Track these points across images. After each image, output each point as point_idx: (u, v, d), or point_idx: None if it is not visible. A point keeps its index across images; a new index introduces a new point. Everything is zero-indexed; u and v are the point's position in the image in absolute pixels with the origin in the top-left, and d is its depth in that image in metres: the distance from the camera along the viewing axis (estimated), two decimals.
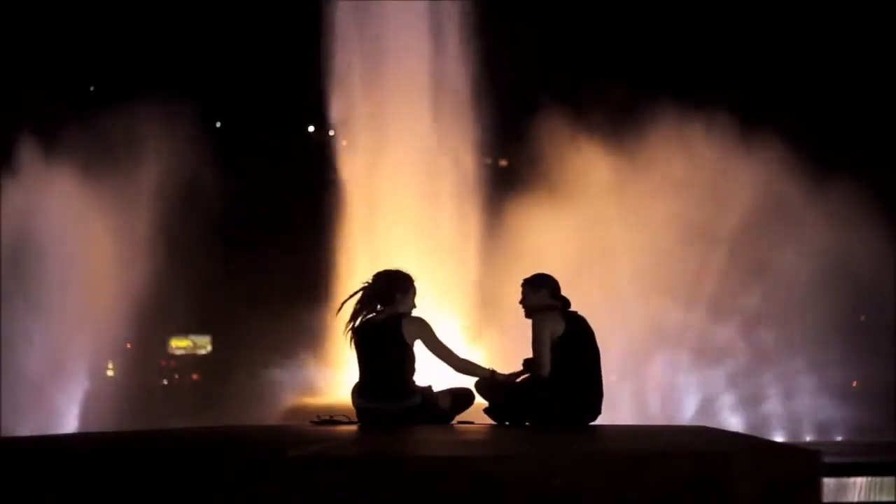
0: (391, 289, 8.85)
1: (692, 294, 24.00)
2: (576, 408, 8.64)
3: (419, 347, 8.75)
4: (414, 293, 8.91)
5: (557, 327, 8.73)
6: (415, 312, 8.90)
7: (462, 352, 9.09)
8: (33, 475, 5.72)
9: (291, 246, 26.15)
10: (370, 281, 8.94)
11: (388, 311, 8.79)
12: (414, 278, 8.97)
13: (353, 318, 8.81)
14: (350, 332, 8.80)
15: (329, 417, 8.78)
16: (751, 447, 6.21)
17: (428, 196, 24.00)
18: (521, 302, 9.06)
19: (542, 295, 8.98)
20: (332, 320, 9.03)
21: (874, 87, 30.72)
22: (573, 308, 9.00)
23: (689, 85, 26.70)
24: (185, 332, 34.44)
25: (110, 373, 26.48)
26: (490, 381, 8.86)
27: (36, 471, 5.74)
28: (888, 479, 12.02)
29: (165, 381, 31.20)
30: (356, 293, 8.89)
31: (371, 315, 8.83)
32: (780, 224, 24.53)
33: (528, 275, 9.23)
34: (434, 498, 5.41)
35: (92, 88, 37.46)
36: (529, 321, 8.91)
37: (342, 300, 8.95)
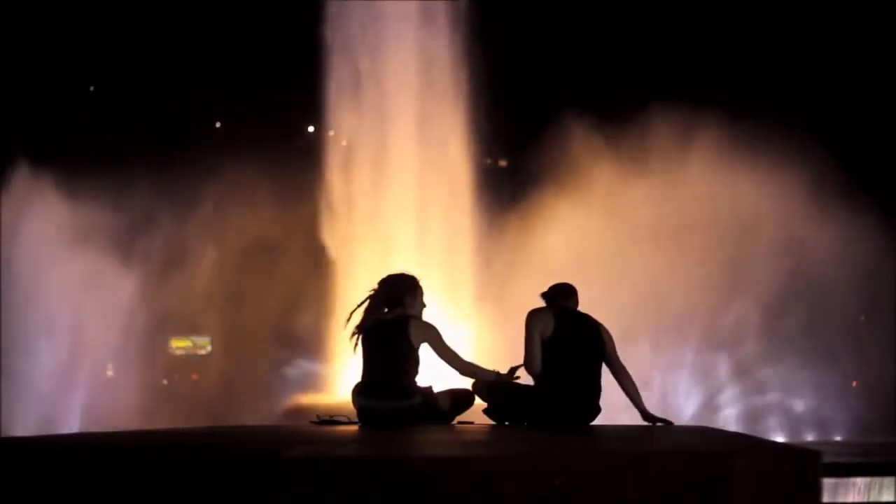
0: (399, 293, 8.84)
1: (692, 295, 23.99)
2: (569, 407, 8.63)
3: (424, 351, 8.75)
4: (421, 294, 8.92)
5: (547, 327, 8.76)
6: (426, 315, 8.90)
7: (466, 355, 9.09)
8: (33, 475, 5.72)
9: (291, 246, 26.13)
10: (376, 287, 8.93)
11: (396, 313, 8.79)
12: (419, 279, 8.97)
13: (361, 324, 8.80)
14: (356, 333, 8.79)
15: (329, 417, 8.78)
16: (751, 447, 6.21)
17: (428, 196, 24.00)
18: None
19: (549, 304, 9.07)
20: (336, 325, 9.02)
21: (880, 88, 30.71)
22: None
23: (691, 86, 26.69)
24: (185, 332, 34.44)
25: (110, 373, 26.46)
26: (491, 383, 8.86)
27: (36, 471, 5.74)
28: (888, 479, 12.02)
29: (165, 381, 31.14)
30: (363, 302, 8.88)
31: (380, 316, 8.83)
32: (780, 224, 24.51)
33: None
34: (434, 498, 5.41)
35: (92, 88, 37.46)
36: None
37: (349, 310, 8.93)
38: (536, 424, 8.62)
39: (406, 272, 9.02)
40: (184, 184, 25.22)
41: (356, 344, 8.79)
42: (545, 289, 9.20)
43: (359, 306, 8.87)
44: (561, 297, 9.08)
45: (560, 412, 8.57)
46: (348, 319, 8.86)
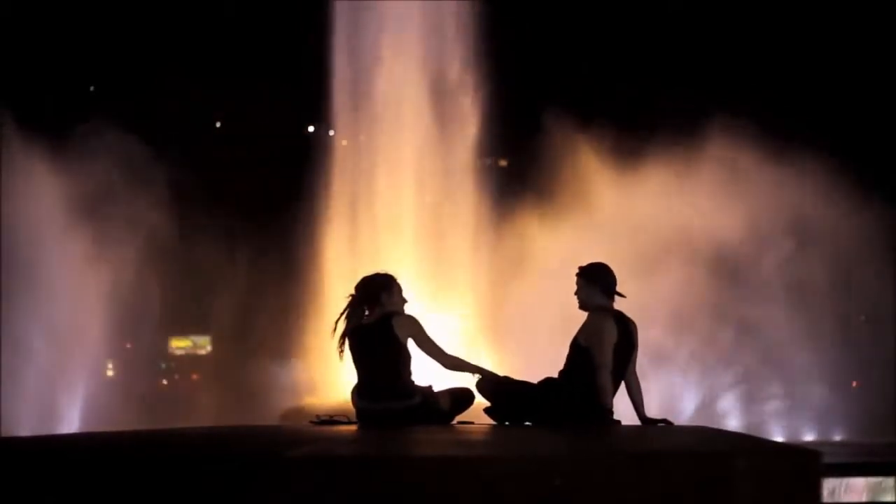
0: (374, 291, 8.87)
1: (692, 295, 23.98)
2: (597, 412, 8.53)
3: (414, 345, 8.75)
4: (399, 290, 8.92)
5: (615, 333, 8.65)
6: (408, 310, 8.89)
7: (459, 352, 9.08)
8: (33, 475, 5.72)
9: (291, 246, 26.16)
10: (353, 292, 8.96)
11: (378, 313, 8.81)
12: (395, 276, 8.99)
13: (346, 329, 8.82)
14: (342, 339, 8.81)
15: (329, 417, 8.78)
16: (751, 447, 6.22)
17: (427, 195, 24.00)
18: (575, 293, 8.94)
19: (594, 291, 8.87)
20: (330, 330, 9.00)
21: (882, 87, 30.69)
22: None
23: (693, 87, 26.70)
24: (185, 332, 34.47)
25: (110, 373, 26.47)
26: (491, 381, 8.85)
27: (36, 471, 5.74)
28: (888, 479, 12.03)
29: (165, 381, 31.19)
30: (346, 309, 8.91)
31: (362, 319, 8.84)
32: (779, 225, 24.52)
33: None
34: (434, 498, 5.41)
35: (92, 88, 37.47)
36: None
37: (335, 318, 8.93)
38: (538, 424, 8.60)
39: (380, 271, 9.05)
40: (185, 184, 25.22)
41: (342, 350, 8.81)
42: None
43: (342, 314, 8.90)
44: (613, 288, 8.97)
45: (589, 412, 8.48)
46: (334, 329, 8.88)
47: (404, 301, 8.93)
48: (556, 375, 8.84)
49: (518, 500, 5.41)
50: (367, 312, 8.86)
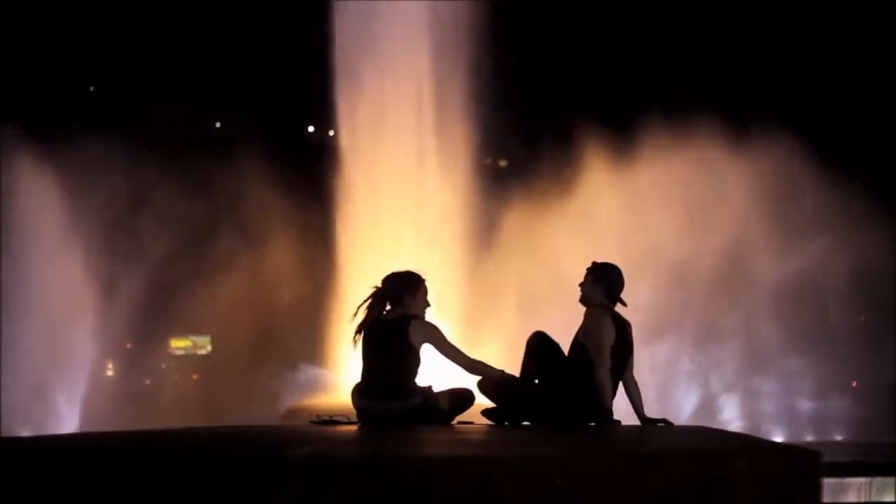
0: (399, 290, 8.86)
1: (691, 295, 23.98)
2: (597, 411, 8.54)
3: (425, 351, 8.74)
4: (424, 293, 8.91)
5: (613, 333, 8.66)
6: (429, 315, 8.89)
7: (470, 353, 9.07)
8: (33, 475, 5.72)
9: (291, 246, 26.15)
10: (379, 285, 8.95)
11: (398, 312, 8.80)
12: (423, 278, 8.97)
13: (364, 321, 8.81)
14: (358, 329, 8.81)
15: (329, 417, 8.78)
16: (750, 447, 6.22)
17: (428, 196, 23.99)
18: (580, 285, 8.97)
19: (597, 292, 8.88)
20: (336, 327, 9.03)
21: (876, 86, 30.69)
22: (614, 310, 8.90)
23: (692, 87, 26.69)
24: (185, 332, 34.44)
25: (110, 373, 26.47)
26: (496, 382, 8.83)
27: (36, 471, 5.75)
28: (888, 479, 12.01)
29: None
30: (367, 299, 8.89)
31: (382, 314, 8.84)
32: (780, 224, 24.52)
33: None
34: (434, 498, 5.42)
35: (92, 88, 37.45)
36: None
37: (351, 311, 8.93)
38: (538, 424, 8.60)
39: (410, 270, 9.02)
40: (185, 184, 25.23)
41: (356, 340, 8.81)
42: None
43: (363, 303, 8.89)
44: (618, 291, 8.95)
45: (587, 412, 8.49)
46: (355, 315, 8.87)
47: (427, 305, 8.91)
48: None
49: (518, 500, 5.41)
50: (388, 307, 8.86)
